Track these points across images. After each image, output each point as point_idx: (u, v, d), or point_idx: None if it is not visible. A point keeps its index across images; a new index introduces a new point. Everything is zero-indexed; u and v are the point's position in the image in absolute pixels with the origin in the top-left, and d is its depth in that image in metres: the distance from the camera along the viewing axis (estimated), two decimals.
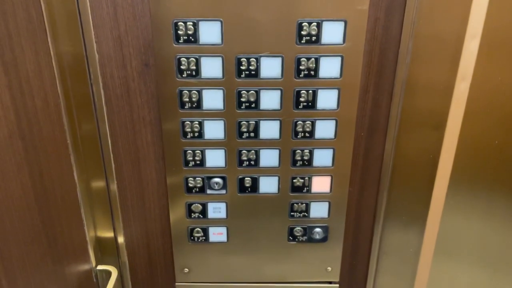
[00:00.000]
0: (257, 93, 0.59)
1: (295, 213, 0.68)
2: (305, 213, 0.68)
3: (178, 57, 0.57)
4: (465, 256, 0.71)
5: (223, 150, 0.63)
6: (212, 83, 0.58)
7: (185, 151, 0.63)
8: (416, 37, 0.56)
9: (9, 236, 0.47)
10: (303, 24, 0.55)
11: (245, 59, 0.57)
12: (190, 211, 0.68)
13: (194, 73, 0.58)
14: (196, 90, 0.59)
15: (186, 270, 0.72)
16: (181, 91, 0.59)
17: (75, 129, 0.61)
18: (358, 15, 0.55)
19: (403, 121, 0.61)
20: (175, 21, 0.55)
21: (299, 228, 0.69)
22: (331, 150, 0.63)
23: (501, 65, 0.58)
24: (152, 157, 0.65)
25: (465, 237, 0.69)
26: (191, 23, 0.55)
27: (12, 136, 0.47)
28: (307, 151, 0.63)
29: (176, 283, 0.74)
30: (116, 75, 0.59)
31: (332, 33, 0.56)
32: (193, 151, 0.63)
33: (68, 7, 0.55)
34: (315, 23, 0.55)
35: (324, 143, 0.63)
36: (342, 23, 0.55)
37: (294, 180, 0.65)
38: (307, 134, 0.62)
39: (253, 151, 0.63)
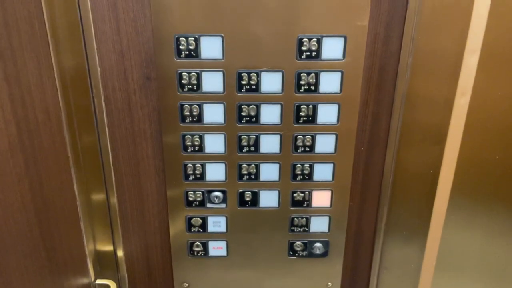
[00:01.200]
0: (258, 107, 0.59)
1: (295, 228, 0.67)
2: (305, 228, 0.67)
3: (179, 71, 0.57)
4: (467, 271, 0.70)
5: (223, 164, 0.63)
6: (213, 97, 0.59)
7: (186, 165, 0.63)
8: (415, 52, 0.57)
9: (8, 248, 0.47)
10: (303, 39, 0.56)
11: (245, 74, 0.57)
12: (190, 225, 0.67)
13: (195, 88, 0.58)
14: (197, 104, 0.59)
15: (186, 284, 0.72)
16: (182, 105, 0.59)
17: (75, 141, 0.61)
18: (358, 31, 0.56)
19: (403, 136, 0.62)
20: (176, 36, 0.55)
21: (299, 242, 0.69)
22: (331, 164, 0.63)
23: (500, 80, 0.58)
24: (152, 170, 0.65)
25: (466, 251, 0.69)
26: (193, 38, 0.55)
27: (13, 148, 0.47)
28: (307, 165, 0.63)
29: None
30: (117, 88, 0.60)
31: (332, 48, 0.56)
32: (194, 164, 0.63)
33: (71, 20, 0.55)
34: (315, 39, 0.56)
35: (324, 158, 0.63)
36: (342, 39, 0.56)
37: (294, 195, 0.65)
38: (307, 149, 0.62)
39: (253, 165, 0.63)
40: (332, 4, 0.54)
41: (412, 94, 0.59)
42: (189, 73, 0.57)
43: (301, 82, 0.58)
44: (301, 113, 0.60)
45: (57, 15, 0.55)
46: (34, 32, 0.52)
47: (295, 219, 0.67)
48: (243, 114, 0.60)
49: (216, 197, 0.65)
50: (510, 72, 0.58)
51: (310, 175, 0.64)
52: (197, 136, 0.61)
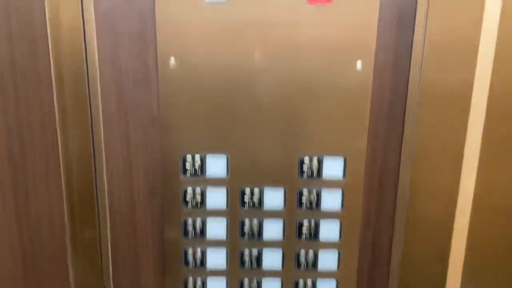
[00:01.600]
0: (260, 223, 0.60)
1: None
2: None
3: (184, 188, 0.59)
4: None
5: (224, 280, 0.62)
6: (216, 213, 0.60)
7: (186, 280, 0.62)
8: (414, 171, 0.58)
9: None
10: (305, 159, 0.58)
11: (248, 191, 0.59)
12: None
13: (199, 204, 0.59)
14: (201, 220, 0.60)
15: None
16: (185, 221, 0.60)
17: (77, 244, 0.61)
18: (356, 151, 0.58)
19: (405, 255, 0.61)
20: (183, 155, 0.58)
21: None
22: (334, 281, 0.62)
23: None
24: (152, 284, 0.64)
25: None
26: (199, 156, 0.58)
27: (13, 251, 0.47)
28: (310, 281, 0.62)
29: None
30: (123, 203, 0.61)
31: (332, 168, 0.58)
32: (195, 279, 0.62)
33: (82, 142, 0.58)
34: (316, 159, 0.58)
35: (327, 275, 0.62)
36: (342, 159, 0.58)
37: None
38: (310, 265, 0.62)
39: (255, 280, 0.62)
40: (332, 127, 0.57)
41: (413, 213, 0.60)
42: (193, 189, 0.59)
43: (302, 199, 0.59)
44: (303, 229, 0.60)
45: (71, 149, 0.58)
46: (48, 159, 0.54)
47: None
48: (245, 229, 0.60)
49: None
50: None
51: None
52: (199, 251, 0.61)
